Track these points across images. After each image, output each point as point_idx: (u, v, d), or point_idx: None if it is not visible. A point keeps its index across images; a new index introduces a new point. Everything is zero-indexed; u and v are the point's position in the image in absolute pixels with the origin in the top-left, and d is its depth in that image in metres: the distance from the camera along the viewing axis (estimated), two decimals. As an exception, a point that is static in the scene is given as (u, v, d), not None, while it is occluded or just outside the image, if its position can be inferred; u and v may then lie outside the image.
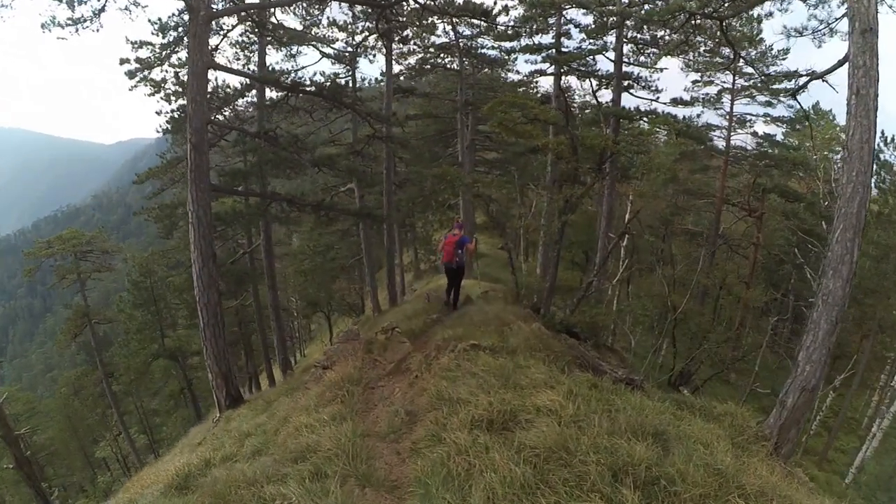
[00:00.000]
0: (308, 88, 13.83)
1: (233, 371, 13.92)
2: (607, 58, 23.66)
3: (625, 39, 23.75)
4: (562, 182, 11.91)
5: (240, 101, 20.63)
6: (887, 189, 26.87)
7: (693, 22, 12.53)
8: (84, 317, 28.41)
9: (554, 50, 24.93)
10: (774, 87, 28.63)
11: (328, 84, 14.14)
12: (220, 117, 18.09)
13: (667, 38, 22.84)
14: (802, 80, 11.67)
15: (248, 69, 18.02)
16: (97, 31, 13.93)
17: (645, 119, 18.55)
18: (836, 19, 12.74)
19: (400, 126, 19.42)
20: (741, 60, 22.63)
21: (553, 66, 26.33)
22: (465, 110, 29.02)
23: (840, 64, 9.33)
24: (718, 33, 21.94)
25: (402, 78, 29.87)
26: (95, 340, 28.85)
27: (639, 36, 23.51)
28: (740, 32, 23.47)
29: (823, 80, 11.60)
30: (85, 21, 13.67)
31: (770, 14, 12.77)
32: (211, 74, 19.07)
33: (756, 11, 17.97)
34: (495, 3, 18.07)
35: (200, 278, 12.73)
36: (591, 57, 23.60)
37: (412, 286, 32.33)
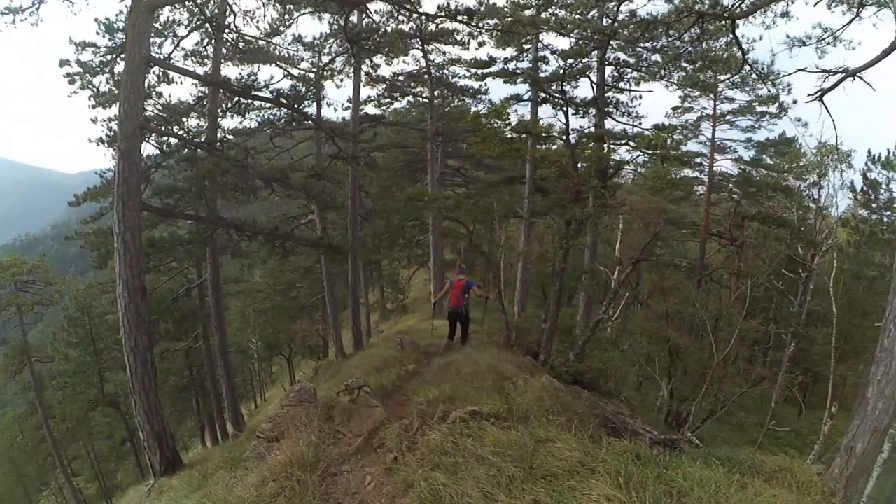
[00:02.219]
0: (262, 94, 11.95)
1: (168, 430, 11.57)
2: (590, 79, 22.47)
3: (607, 62, 22.65)
4: (563, 202, 10.28)
5: (193, 123, 18.64)
6: (878, 208, 26.24)
7: (701, 25, 11.22)
8: (23, 354, 25.26)
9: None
10: (760, 109, 28.38)
11: (287, 92, 12.22)
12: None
13: (653, 57, 21.90)
14: (833, 80, 10.36)
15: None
16: (36, 24, 12.05)
17: (632, 142, 17.13)
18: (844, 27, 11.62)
19: (365, 146, 17.63)
20: (739, 72, 21.57)
21: (530, 91, 25.18)
22: (436, 141, 27.61)
23: (884, 55, 8.12)
24: (703, 48, 21.34)
25: (370, 105, 28.40)
26: (35, 380, 25.71)
27: (622, 57, 22.46)
28: (727, 53, 22.64)
29: (854, 78, 10.38)
30: (23, 11, 11.77)
31: (785, 14, 11.55)
32: (165, 91, 16.99)
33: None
34: (481, 5, 16.39)
35: (127, 317, 10.47)
36: (574, 79, 22.37)
37: (378, 327, 30.28)
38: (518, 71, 24.81)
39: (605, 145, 12.81)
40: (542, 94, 25.12)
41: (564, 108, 12.22)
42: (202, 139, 13.69)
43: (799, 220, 29.74)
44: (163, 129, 13.61)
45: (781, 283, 29.84)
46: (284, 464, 5.21)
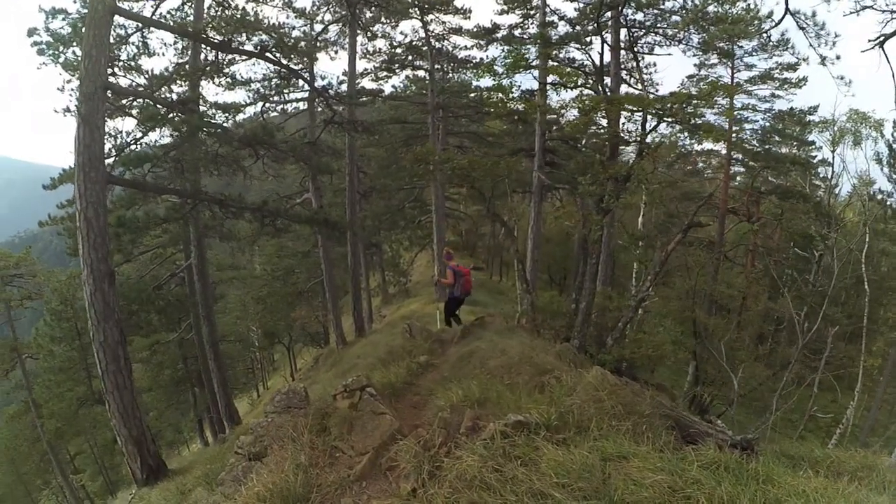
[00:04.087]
0: (245, 48, 10.40)
1: (148, 434, 10.24)
2: (605, 41, 20.81)
3: (622, 23, 20.97)
4: (602, 158, 8.85)
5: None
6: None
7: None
8: (13, 351, 24.20)
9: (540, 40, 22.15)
10: (778, 76, 26.66)
11: (272, 44, 10.63)
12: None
13: (673, 18, 20.38)
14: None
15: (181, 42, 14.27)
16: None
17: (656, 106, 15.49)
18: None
19: (363, 121, 16.10)
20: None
21: (539, 58, 23.61)
22: (437, 115, 26.11)
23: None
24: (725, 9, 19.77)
25: (367, 78, 26.80)
26: (27, 378, 24.57)
27: (639, 17, 20.82)
28: (750, 14, 20.99)
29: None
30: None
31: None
32: (147, 64, 15.20)
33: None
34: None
35: (93, 306, 9.06)
36: (587, 40, 20.76)
37: (380, 312, 29.08)
38: (525, 37, 23.24)
39: (646, 94, 11.32)
40: (552, 63, 23.59)
41: (600, 50, 10.64)
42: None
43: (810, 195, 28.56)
44: (129, 88, 12.01)
45: (788, 259, 28.77)
46: (263, 498, 3.81)
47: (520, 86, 21.15)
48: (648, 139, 10.29)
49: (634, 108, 17.22)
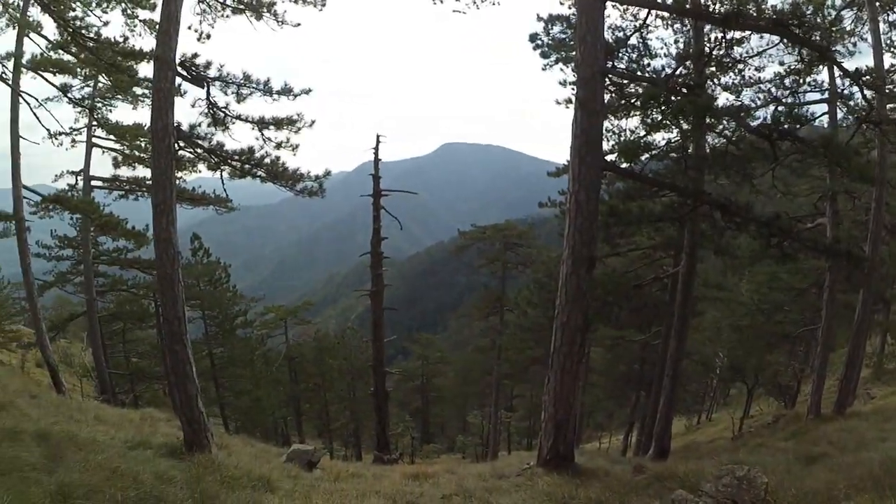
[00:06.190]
0: (757, 22, 8.47)
1: (573, 423, 10.06)
2: None
3: None
4: None
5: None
6: None
7: None
8: (497, 300, 30.50)
9: None
10: None
11: (790, 16, 8.32)
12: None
13: None
14: None
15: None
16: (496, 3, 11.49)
17: None
18: None
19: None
20: None
21: None
22: None
23: None
24: None
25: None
26: (501, 324, 30.46)
27: None
28: None
29: None
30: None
31: None
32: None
33: None
34: None
35: (565, 287, 9.19)
36: None
37: (866, 388, 22.10)
38: None
39: None
40: None
41: None
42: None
43: None
44: (627, 72, 11.63)
45: None
46: None
47: None
48: None
49: None
